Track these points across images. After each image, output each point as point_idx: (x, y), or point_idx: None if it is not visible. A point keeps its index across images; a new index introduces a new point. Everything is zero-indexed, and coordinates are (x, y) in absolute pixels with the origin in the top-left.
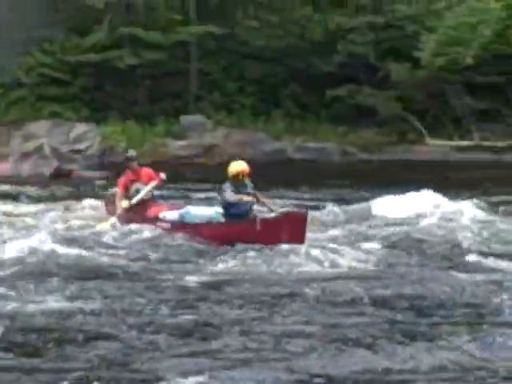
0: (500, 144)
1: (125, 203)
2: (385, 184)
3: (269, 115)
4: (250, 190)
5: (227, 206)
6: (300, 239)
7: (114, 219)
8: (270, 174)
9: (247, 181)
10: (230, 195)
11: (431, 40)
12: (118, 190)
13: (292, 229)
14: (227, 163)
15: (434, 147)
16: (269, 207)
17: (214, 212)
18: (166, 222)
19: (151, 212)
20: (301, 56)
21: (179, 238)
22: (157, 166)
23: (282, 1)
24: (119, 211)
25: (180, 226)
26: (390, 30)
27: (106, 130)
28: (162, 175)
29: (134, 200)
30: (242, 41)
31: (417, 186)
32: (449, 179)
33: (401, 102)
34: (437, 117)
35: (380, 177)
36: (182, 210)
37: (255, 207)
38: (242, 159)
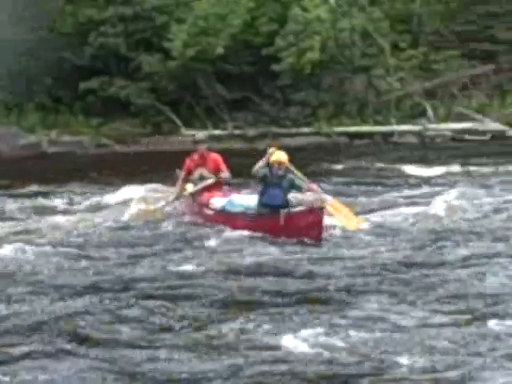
0: (252, 132)
1: (189, 187)
2: (132, 175)
3: (22, 109)
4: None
5: (259, 196)
6: (316, 236)
7: (163, 203)
8: (24, 169)
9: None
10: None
11: (181, 31)
12: (182, 173)
13: (309, 225)
14: None
15: (189, 137)
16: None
17: (254, 201)
18: (212, 209)
19: (204, 198)
20: (53, 49)
21: (216, 226)
22: None
23: None
24: (176, 195)
25: (219, 214)
26: (139, 21)
27: None
28: (225, 174)
29: (192, 189)
30: None
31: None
32: None
33: (154, 93)
34: (191, 107)
35: (132, 168)
36: (228, 198)
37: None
38: None
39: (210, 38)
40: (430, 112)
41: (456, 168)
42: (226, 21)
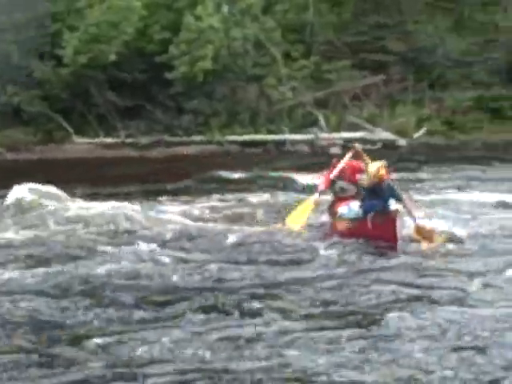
0: (144, 141)
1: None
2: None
3: None
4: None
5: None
6: (392, 239)
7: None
8: None
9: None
10: None
11: (73, 38)
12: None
13: (385, 229)
14: None
15: (81, 145)
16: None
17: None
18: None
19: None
20: None
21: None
22: None
23: None
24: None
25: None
26: (32, 28)
27: None
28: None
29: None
30: None
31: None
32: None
33: (46, 100)
34: (83, 115)
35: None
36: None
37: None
38: None
39: (102, 45)
40: (321, 121)
41: None
42: (118, 28)
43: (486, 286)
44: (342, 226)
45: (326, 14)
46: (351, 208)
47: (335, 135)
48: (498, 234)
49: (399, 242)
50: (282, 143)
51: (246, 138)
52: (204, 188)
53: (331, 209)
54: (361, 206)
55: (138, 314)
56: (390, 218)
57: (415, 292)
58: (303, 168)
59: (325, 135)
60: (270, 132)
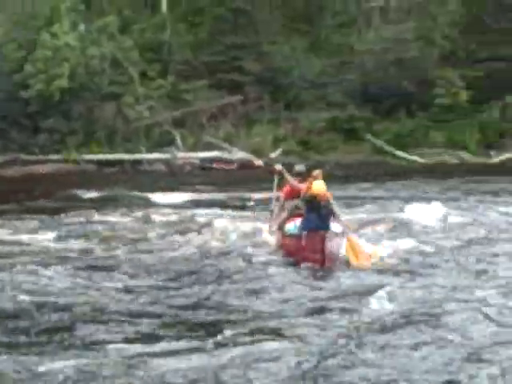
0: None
1: None
2: None
3: None
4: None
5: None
6: (319, 259)
7: None
8: None
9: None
10: None
11: None
12: None
13: (314, 248)
14: None
15: None
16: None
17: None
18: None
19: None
20: None
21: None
22: None
23: None
24: None
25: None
26: None
27: None
28: None
29: None
30: None
31: None
32: None
33: None
34: None
35: None
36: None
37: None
38: None
39: None
40: (178, 141)
41: (204, 195)
42: None
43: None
44: (285, 241)
45: (184, 34)
46: (296, 224)
47: (192, 155)
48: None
49: (331, 262)
50: (139, 162)
51: (103, 156)
52: (60, 207)
53: (283, 224)
54: (302, 222)
55: None
56: (320, 237)
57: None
58: (160, 188)
59: (182, 154)
60: (126, 151)
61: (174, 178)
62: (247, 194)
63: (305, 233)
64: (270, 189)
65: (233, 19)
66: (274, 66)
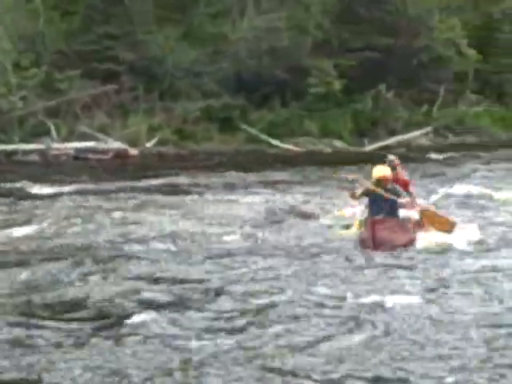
0: None
1: None
2: None
3: None
4: None
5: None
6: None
7: None
8: None
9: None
10: None
11: None
12: None
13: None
14: None
15: None
16: None
17: None
18: None
19: None
20: None
21: None
22: None
23: None
24: None
25: None
26: None
27: None
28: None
29: None
30: None
31: None
32: None
33: None
34: None
35: None
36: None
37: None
38: None
39: None
40: (53, 131)
41: (82, 186)
42: None
43: None
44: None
45: (57, 23)
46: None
47: (67, 145)
48: None
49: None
50: (13, 153)
51: None
52: None
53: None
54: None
55: None
56: (372, 223)
57: None
58: (36, 178)
59: (56, 145)
60: (0, 141)
61: (49, 169)
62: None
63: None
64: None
65: (105, 8)
66: (149, 56)
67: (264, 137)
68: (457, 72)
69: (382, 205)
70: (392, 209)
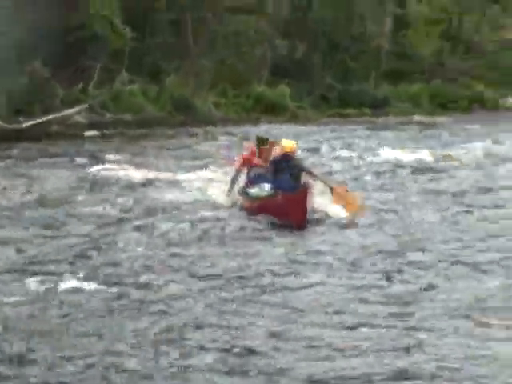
0: None
1: None
2: None
3: None
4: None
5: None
6: (299, 218)
7: None
8: None
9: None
10: None
11: None
12: None
13: (294, 207)
14: None
15: None
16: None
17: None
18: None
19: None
20: None
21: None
22: None
23: None
24: None
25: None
26: None
27: None
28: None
29: None
30: None
31: None
32: None
33: None
34: None
35: None
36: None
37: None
38: None
39: None
40: None
41: None
42: None
43: None
44: (252, 203)
45: None
46: (261, 188)
47: None
48: None
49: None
50: None
51: None
52: None
53: (243, 190)
54: (273, 183)
55: None
56: (300, 196)
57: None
58: None
59: None
60: None
61: None
62: None
63: (281, 192)
64: None
65: None
66: None
67: None
68: (113, 50)
69: (288, 174)
70: (299, 178)
